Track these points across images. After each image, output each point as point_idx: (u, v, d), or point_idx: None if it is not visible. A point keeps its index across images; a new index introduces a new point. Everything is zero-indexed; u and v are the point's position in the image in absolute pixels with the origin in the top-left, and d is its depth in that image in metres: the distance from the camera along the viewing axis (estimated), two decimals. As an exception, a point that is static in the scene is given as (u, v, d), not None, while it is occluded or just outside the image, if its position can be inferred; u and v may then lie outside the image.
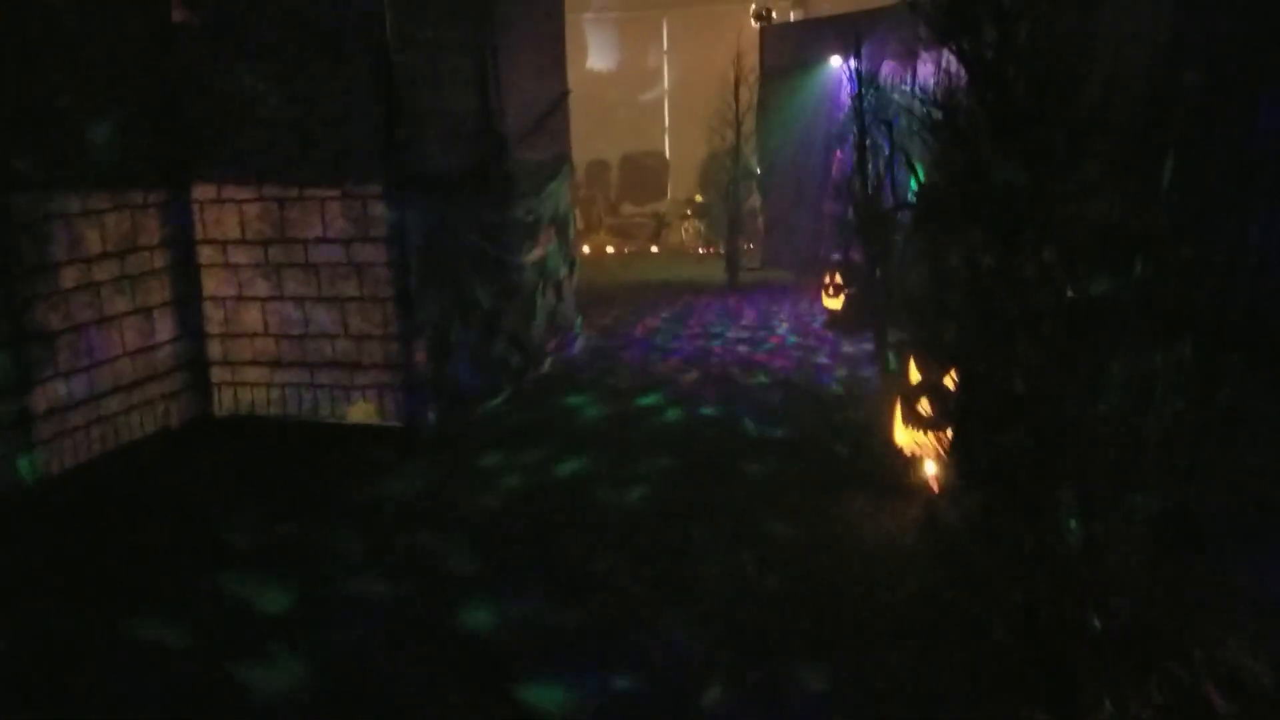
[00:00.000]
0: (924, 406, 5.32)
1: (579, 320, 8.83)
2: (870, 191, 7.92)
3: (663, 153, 20.13)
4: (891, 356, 7.75)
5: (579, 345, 8.73)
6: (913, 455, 5.38)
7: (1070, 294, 3.03)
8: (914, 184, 8.54)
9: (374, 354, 6.39)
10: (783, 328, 9.64)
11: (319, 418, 6.55)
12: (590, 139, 20.69)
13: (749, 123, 12.12)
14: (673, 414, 6.77)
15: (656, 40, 19.94)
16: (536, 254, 7.81)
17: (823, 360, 8.27)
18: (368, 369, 6.42)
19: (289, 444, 6.26)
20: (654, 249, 16.26)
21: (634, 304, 11.08)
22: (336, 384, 6.51)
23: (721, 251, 12.83)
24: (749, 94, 12.04)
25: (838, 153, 10.78)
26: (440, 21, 6.46)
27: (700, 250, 14.19)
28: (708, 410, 6.83)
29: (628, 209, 19.40)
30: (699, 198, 16.27)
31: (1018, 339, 3.41)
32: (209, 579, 4.30)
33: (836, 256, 9.67)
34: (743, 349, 8.74)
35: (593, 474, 5.59)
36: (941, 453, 5.26)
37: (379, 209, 6.17)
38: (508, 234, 7.31)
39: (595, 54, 19.80)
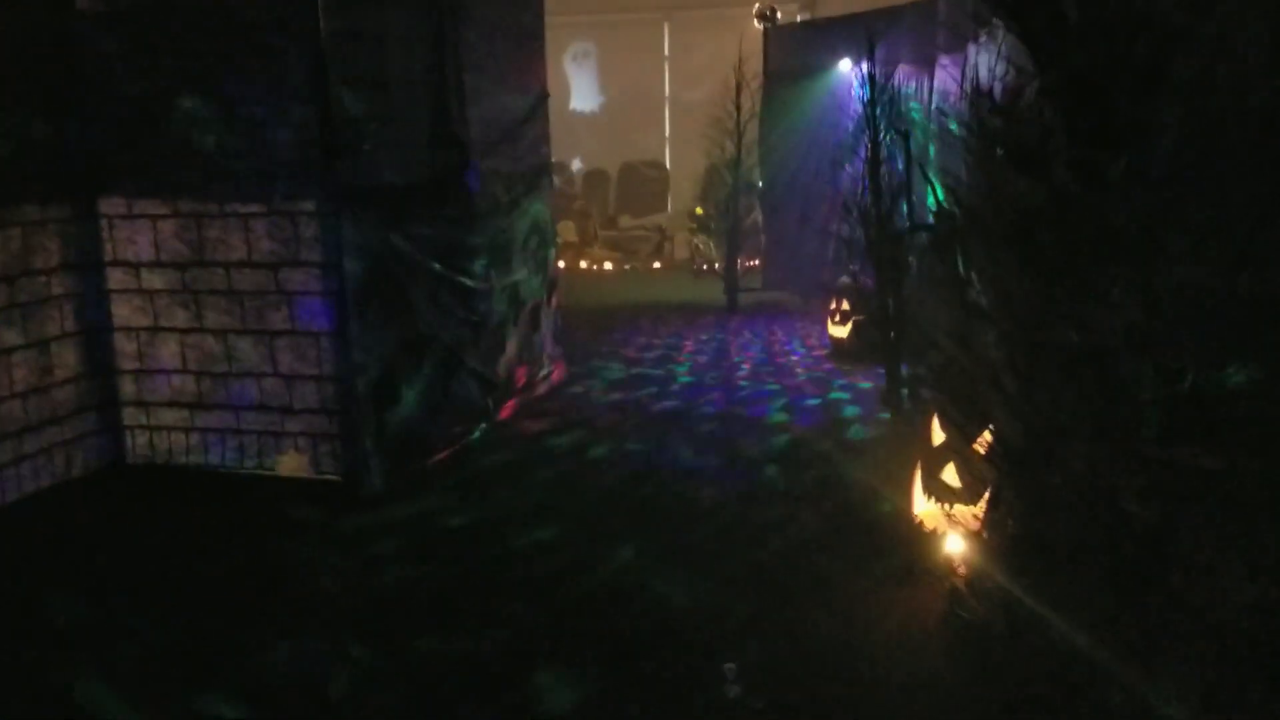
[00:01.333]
0: (950, 475, 4.42)
1: (559, 352, 7.94)
2: (884, 209, 7.02)
3: (663, 162, 19.29)
4: (905, 395, 6.86)
5: (558, 380, 7.84)
6: (935, 531, 4.48)
7: (1188, 382, 2.12)
8: (931, 201, 7.66)
9: (307, 397, 5.50)
10: (786, 359, 8.74)
11: (245, 468, 5.66)
12: (588, 148, 20.00)
13: (751, 132, 11.24)
14: (658, 471, 5.87)
15: (657, 44, 19.10)
16: (508, 278, 6.92)
17: (831, 398, 7.37)
18: (299, 414, 5.53)
19: (203, 500, 5.38)
20: (656, 265, 15.37)
21: (626, 329, 10.18)
22: (265, 430, 5.63)
23: (717, 266, 11.92)
24: (752, 101, 11.16)
25: (847, 166, 9.89)
26: (387, 11, 5.58)
27: (701, 267, 13.24)
28: (696, 460, 5.93)
29: (626, 221, 18.55)
30: (699, 210, 15.37)
31: (1089, 429, 2.52)
32: None
33: (844, 280, 8.77)
34: (743, 384, 7.84)
35: (558, 545, 4.69)
36: (971, 532, 4.37)
37: (312, 228, 5.29)
38: (472, 256, 6.42)
39: (593, 59, 18.95)
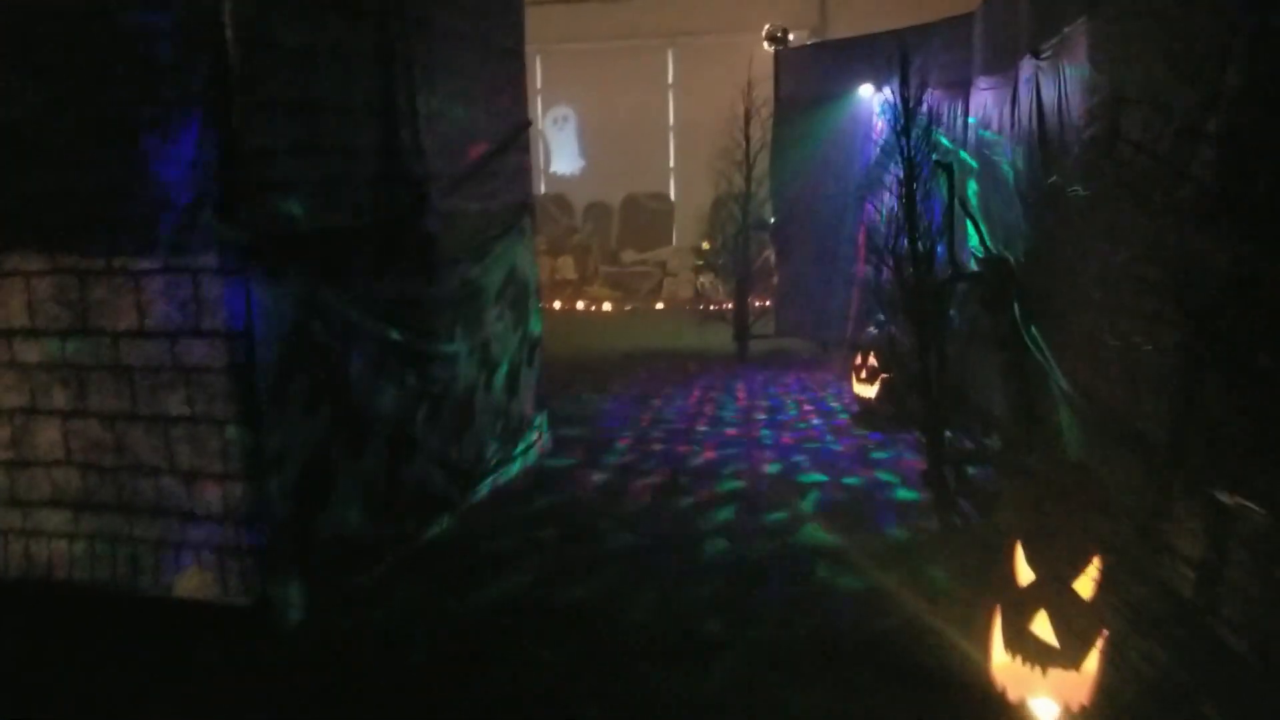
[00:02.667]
0: (1042, 627, 3.28)
1: (541, 420, 6.83)
2: (922, 254, 5.90)
3: (668, 194, 18.26)
4: (951, 477, 5.73)
5: (540, 453, 6.72)
6: (1020, 701, 3.34)
7: None
8: (974, 244, 6.55)
9: (211, 500, 4.38)
10: (809, 423, 7.59)
11: (139, 587, 4.53)
12: (590, 179, 18.98)
13: (762, 164, 10.16)
14: (649, 591, 4.75)
15: (661, 73, 18.12)
16: (478, 338, 5.83)
17: (864, 479, 6.23)
18: (203, 521, 4.41)
19: (82, 629, 4.27)
20: (659, 305, 14.24)
21: (624, 382, 9.06)
22: (163, 539, 4.50)
23: (728, 306, 10.78)
24: (762, 129, 10.09)
25: (871, 203, 8.80)
26: (318, 18, 4.52)
27: (707, 309, 11.98)
28: (703, 589, 4.81)
29: (629, 255, 17.50)
30: (706, 245, 14.24)
31: None
32: None
33: (872, 331, 7.65)
34: (764, 461, 6.70)
35: (524, 697, 3.56)
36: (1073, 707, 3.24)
37: (216, 288, 4.20)
38: (431, 314, 5.34)
39: (596, 87, 18.00)
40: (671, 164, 18.31)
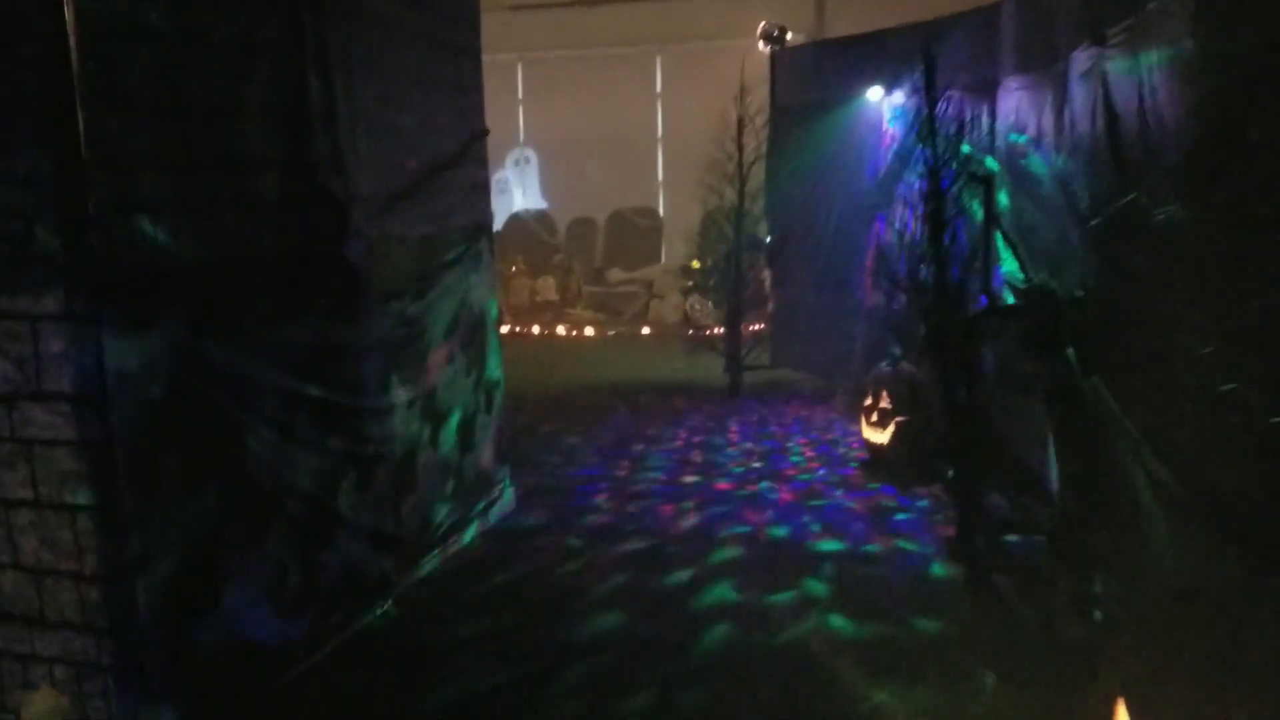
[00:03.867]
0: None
1: (503, 474, 5.89)
2: (950, 283, 4.99)
3: (656, 209, 17.35)
4: (984, 549, 4.82)
5: (503, 513, 5.79)
6: None
7: None
8: (1010, 270, 5.66)
9: (64, 604, 3.45)
10: (813, 474, 6.66)
11: (-23, 711, 3.61)
12: (574, 195, 18.08)
13: (757, 177, 9.25)
14: (631, 699, 3.82)
15: (649, 80, 17.24)
16: (420, 386, 4.91)
17: (879, 548, 5.30)
18: (55, 629, 3.48)
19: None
20: (644, 329, 13.30)
21: (604, 423, 8.13)
22: (7, 650, 3.57)
23: (719, 331, 9.86)
24: (757, 139, 9.18)
25: (881, 223, 7.91)
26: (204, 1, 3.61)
27: (696, 336, 10.91)
28: (696, 696, 3.88)
29: (616, 275, 16.56)
30: (695, 264, 13.29)
31: None
32: None
33: (884, 368, 6.74)
34: (764, 523, 5.78)
35: None
36: None
37: (59, 339, 3.27)
38: (359, 363, 4.41)
39: (580, 96, 17.10)
40: (660, 177, 17.42)
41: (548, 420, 8.12)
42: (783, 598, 4.64)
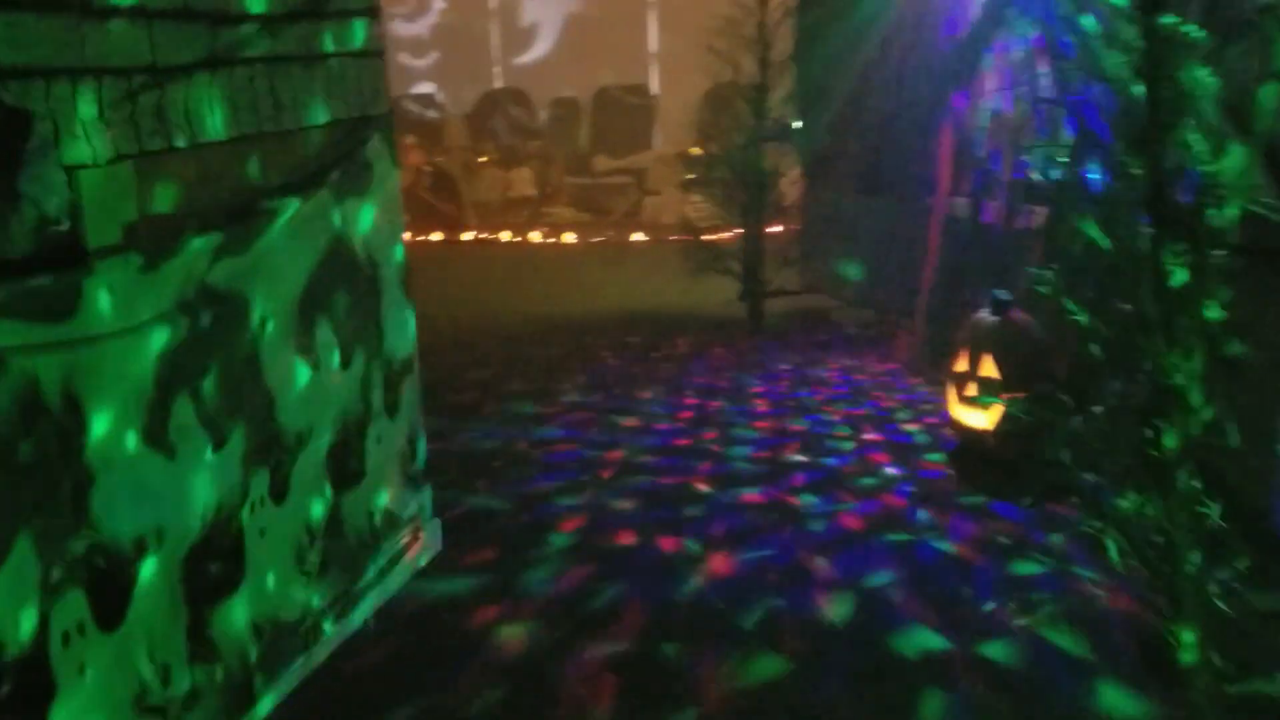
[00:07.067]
0: None
1: (418, 504, 3.84)
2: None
3: (648, 87, 14.93)
4: (1205, 643, 2.83)
5: (417, 572, 3.76)
6: None
7: None
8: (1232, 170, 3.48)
9: None
10: (877, 474, 4.61)
11: None
12: (555, 70, 15.56)
13: (784, 42, 6.96)
14: None
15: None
16: (238, 415, 2.81)
17: (1026, 662, 3.28)
18: None
19: None
20: (636, 235, 11.07)
21: (580, 377, 6.07)
22: None
23: (728, 236, 7.69)
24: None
25: (959, 99, 5.70)
26: None
27: (697, 240, 8.61)
28: None
29: (603, 163, 14.27)
30: (696, 149, 10.95)
31: None
32: None
33: (984, 316, 4.64)
34: (820, 585, 3.76)
35: None
36: None
37: None
38: (94, 387, 2.30)
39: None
40: (653, 48, 14.93)
41: (506, 378, 6.05)
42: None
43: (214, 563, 2.72)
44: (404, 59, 15.05)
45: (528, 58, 15.60)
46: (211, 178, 2.69)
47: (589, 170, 14.11)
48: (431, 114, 14.52)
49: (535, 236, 11.05)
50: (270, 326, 2.92)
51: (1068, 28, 2.97)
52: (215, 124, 2.69)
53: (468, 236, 11.29)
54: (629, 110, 14.54)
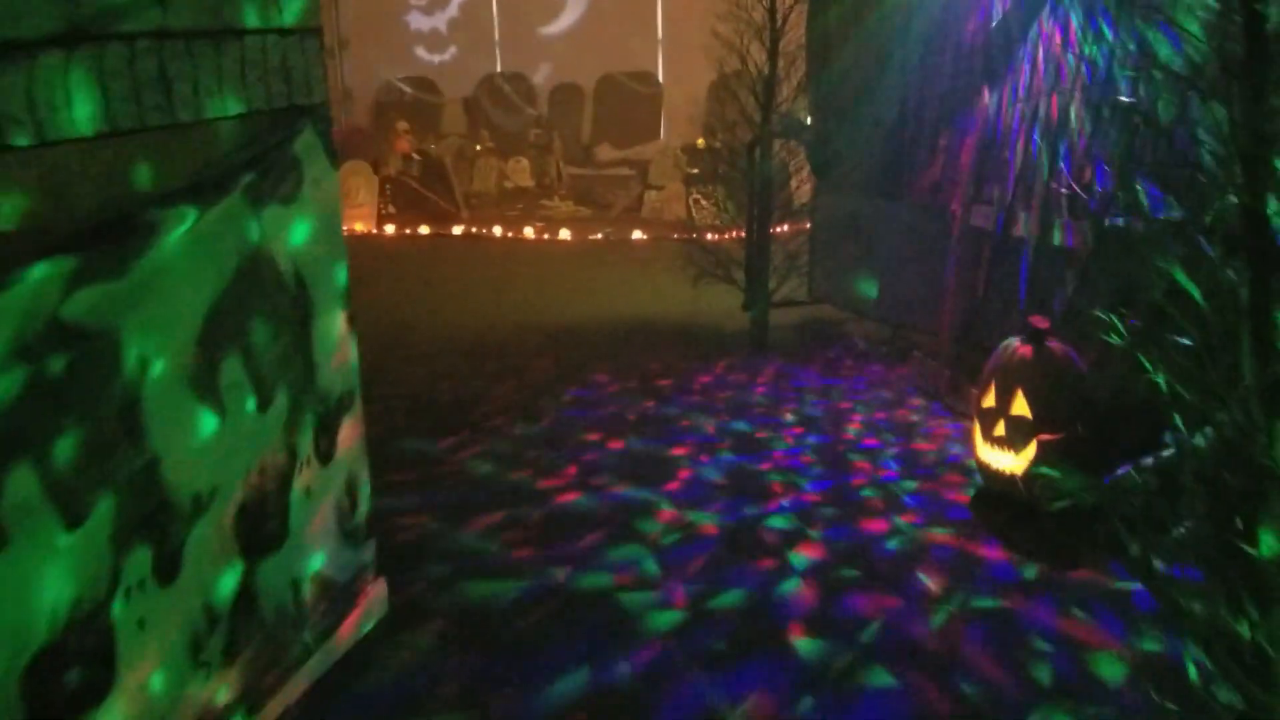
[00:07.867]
0: None
1: (360, 561, 3.28)
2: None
3: (654, 74, 14.31)
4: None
5: (358, 640, 3.21)
6: None
7: None
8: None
9: None
10: (906, 532, 4.04)
11: None
12: (558, 54, 14.92)
13: (796, 31, 6.37)
14: None
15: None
16: (108, 485, 2.25)
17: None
18: None
19: None
20: (636, 233, 10.46)
21: (566, 399, 5.50)
22: None
23: (731, 236, 7.12)
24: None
25: (987, 94, 5.12)
26: None
27: (699, 240, 8.02)
28: None
29: (605, 153, 13.68)
30: (701, 142, 10.39)
31: None
32: None
33: (1013, 343, 4.07)
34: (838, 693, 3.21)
35: None
36: None
37: None
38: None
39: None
40: (660, 33, 14.31)
41: (487, 395, 5.49)
42: None
43: (71, 670, 2.16)
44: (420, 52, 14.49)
45: (531, 40, 14.96)
46: (70, 184, 2.13)
47: (590, 160, 13.53)
48: (429, 98, 13.94)
49: (529, 233, 10.45)
50: (157, 368, 2.35)
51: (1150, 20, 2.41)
52: (77, 116, 2.13)
53: (458, 230, 10.70)
54: (634, 98, 13.94)
